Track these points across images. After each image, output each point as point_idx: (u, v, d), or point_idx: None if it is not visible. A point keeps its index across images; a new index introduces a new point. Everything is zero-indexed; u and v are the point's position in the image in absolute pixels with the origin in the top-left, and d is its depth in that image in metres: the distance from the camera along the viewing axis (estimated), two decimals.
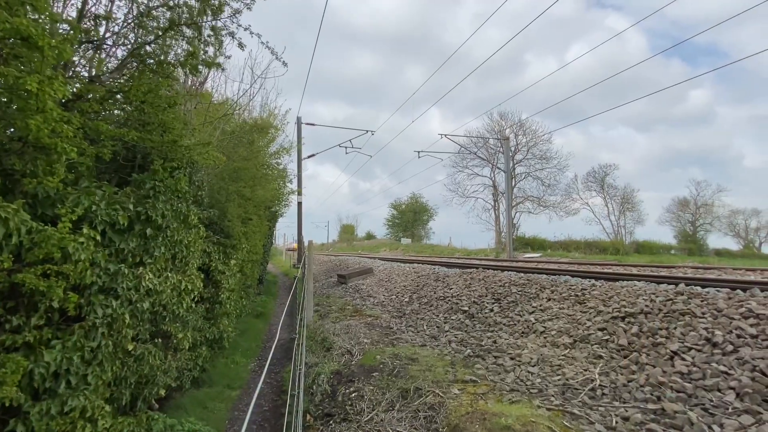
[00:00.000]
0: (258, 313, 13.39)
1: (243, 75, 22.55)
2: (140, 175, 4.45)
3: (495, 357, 6.29)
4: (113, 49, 4.54)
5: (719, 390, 4.25)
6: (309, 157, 23.06)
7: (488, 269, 11.66)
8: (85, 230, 3.34)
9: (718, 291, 6.10)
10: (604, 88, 47.34)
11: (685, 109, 79.62)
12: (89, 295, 3.54)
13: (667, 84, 73.27)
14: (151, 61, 4.37)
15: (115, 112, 4.83)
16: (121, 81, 4.43)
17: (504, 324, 7.73)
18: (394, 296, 12.62)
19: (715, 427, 3.71)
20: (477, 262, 16.26)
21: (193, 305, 5.63)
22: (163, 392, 4.91)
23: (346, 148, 22.52)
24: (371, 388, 5.59)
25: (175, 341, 5.14)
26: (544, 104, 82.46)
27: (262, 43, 4.94)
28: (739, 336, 4.89)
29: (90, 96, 3.93)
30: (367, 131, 22.52)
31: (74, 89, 3.86)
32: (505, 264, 13.96)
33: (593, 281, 8.14)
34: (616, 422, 4.05)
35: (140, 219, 4.14)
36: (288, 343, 9.97)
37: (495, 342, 7.00)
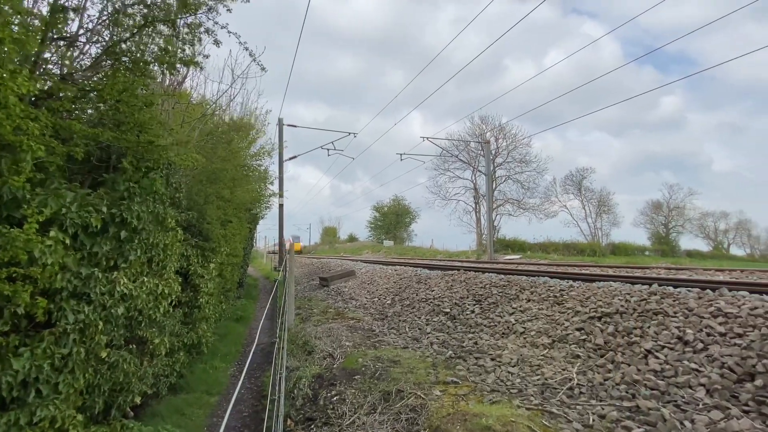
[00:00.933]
0: (238, 317, 13.18)
1: (223, 75, 22.19)
2: (111, 176, 4.31)
3: (476, 358, 6.34)
4: (87, 47, 4.40)
5: (690, 387, 4.39)
6: (291, 158, 22.95)
7: (469, 271, 11.76)
8: (52, 233, 3.21)
9: (689, 291, 6.30)
10: (580, 93, 48.59)
11: (658, 115, 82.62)
12: (60, 300, 3.41)
13: (640, 90, 75.50)
14: (126, 58, 4.25)
15: (89, 111, 4.68)
16: (95, 79, 4.30)
17: (485, 325, 7.81)
18: (376, 299, 12.60)
19: (686, 422, 3.82)
20: (458, 263, 16.39)
21: (171, 310, 5.50)
22: (138, 399, 4.77)
23: (328, 150, 22.52)
24: (353, 391, 5.56)
25: (151, 347, 5.00)
26: (523, 109, 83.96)
27: (240, 43, 4.89)
28: (708, 334, 5.06)
29: (62, 95, 3.79)
30: (349, 134, 22.53)
31: (45, 87, 3.72)
32: (486, 266, 14.12)
33: (571, 282, 8.30)
34: (593, 420, 4.13)
35: (114, 221, 4.01)
36: (269, 347, 9.83)
37: (476, 343, 7.06)
